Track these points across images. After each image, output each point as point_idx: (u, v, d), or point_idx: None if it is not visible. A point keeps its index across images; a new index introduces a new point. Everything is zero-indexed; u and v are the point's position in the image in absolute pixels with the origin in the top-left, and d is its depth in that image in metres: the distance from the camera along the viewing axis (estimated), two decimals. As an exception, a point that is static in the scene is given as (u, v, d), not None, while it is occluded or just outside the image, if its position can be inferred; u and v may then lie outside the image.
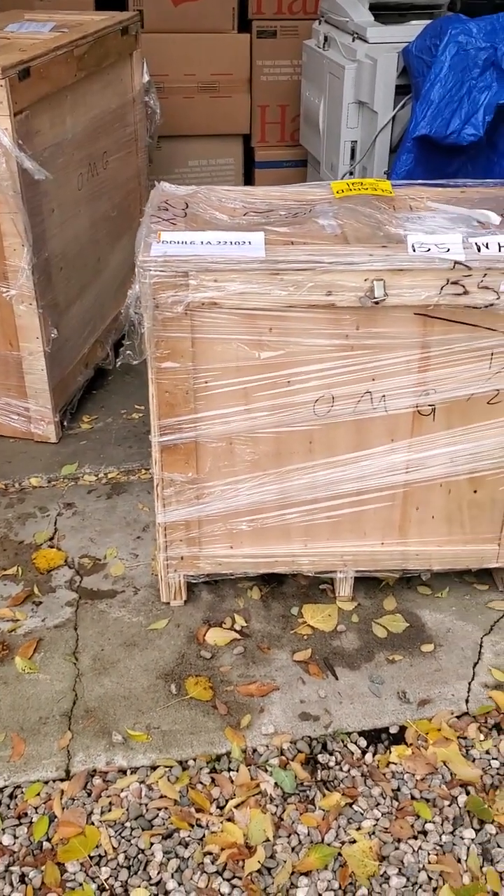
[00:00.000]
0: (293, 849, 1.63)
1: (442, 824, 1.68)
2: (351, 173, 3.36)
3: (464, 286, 1.74)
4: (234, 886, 1.57)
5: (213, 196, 2.04)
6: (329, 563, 2.11)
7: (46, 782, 1.74)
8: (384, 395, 1.89)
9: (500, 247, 1.75)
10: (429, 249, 1.74)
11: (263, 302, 1.76)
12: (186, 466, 1.95)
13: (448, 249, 1.74)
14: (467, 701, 1.92)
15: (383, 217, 1.91)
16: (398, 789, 1.74)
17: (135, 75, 3.15)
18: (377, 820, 1.68)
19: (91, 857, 1.61)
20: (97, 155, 2.90)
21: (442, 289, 1.74)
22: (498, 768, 1.78)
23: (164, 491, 1.98)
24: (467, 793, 1.73)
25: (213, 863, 1.60)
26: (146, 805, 1.70)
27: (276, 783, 1.74)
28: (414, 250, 1.74)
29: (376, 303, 1.74)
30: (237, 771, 1.77)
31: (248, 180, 4.26)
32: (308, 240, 1.83)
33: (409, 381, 1.87)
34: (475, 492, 2.01)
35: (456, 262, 1.72)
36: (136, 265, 1.73)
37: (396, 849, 1.63)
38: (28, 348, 2.61)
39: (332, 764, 1.79)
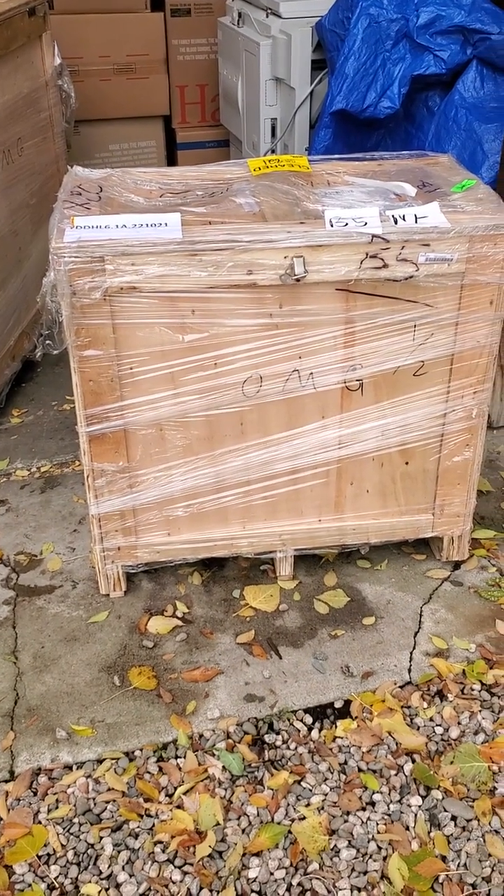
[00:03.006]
0: (243, 830, 1.63)
1: (389, 794, 1.69)
2: (272, 151, 3.34)
3: (383, 259, 1.74)
4: (185, 873, 1.56)
5: (128, 178, 2.00)
6: (268, 544, 2.11)
7: (-10, 785, 1.71)
8: (312, 373, 1.89)
9: (416, 218, 1.75)
10: (346, 224, 1.73)
11: (184, 284, 1.73)
12: (116, 455, 1.92)
13: (365, 223, 1.73)
14: (409, 670, 1.94)
15: (301, 193, 1.90)
16: (345, 763, 1.76)
17: (46, 58, 3.06)
18: (325, 795, 1.69)
19: (39, 857, 1.59)
20: (11, 142, 2.82)
21: (361, 263, 1.74)
22: (442, 734, 1.80)
23: (95, 482, 1.95)
24: (413, 761, 1.75)
25: (163, 851, 1.59)
26: (94, 799, 1.68)
27: (223, 767, 1.74)
28: (332, 225, 1.73)
29: (297, 280, 1.73)
30: (184, 758, 1.76)
31: (171, 162, 4.20)
32: (226, 219, 1.81)
33: (335, 358, 1.87)
34: (407, 464, 2.02)
35: (374, 236, 1.71)
36: (49, 252, 1.69)
37: (345, 822, 1.64)
38: (-50, 343, 2.54)
39: (278, 743, 1.79)
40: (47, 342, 1.80)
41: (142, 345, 1.80)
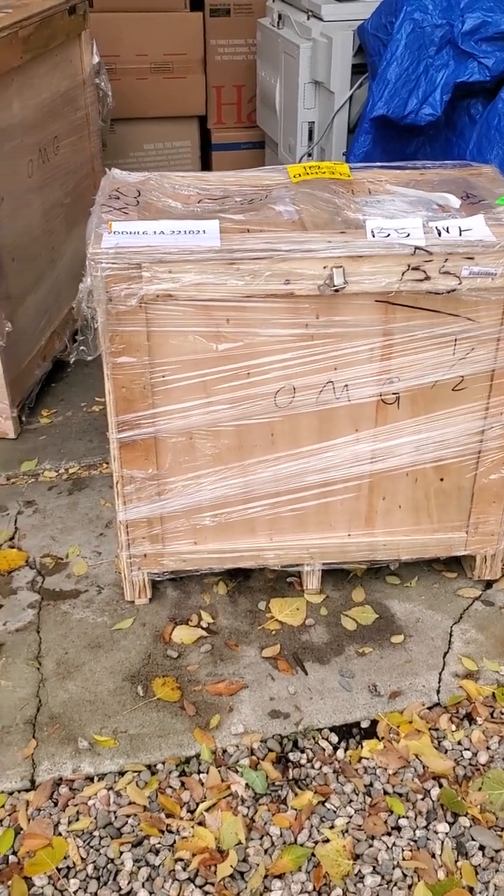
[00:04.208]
0: (266, 851, 1.60)
1: (415, 819, 1.66)
2: (309, 155, 3.31)
3: (425, 272, 1.70)
4: (206, 893, 1.53)
5: (167, 183, 1.97)
6: (295, 557, 2.07)
7: (11, 793, 1.69)
8: (347, 385, 1.85)
9: (460, 231, 1.71)
10: (388, 235, 1.69)
11: (220, 292, 1.71)
12: (146, 462, 1.90)
13: (408, 234, 1.69)
14: (438, 692, 1.90)
15: (341, 202, 1.87)
16: (371, 785, 1.72)
17: (84, 57, 3.05)
18: (350, 817, 1.66)
19: (59, 870, 1.57)
20: (47, 140, 2.81)
21: (403, 275, 1.70)
22: (470, 759, 1.76)
23: (124, 488, 1.93)
24: (440, 785, 1.72)
25: (184, 869, 1.57)
26: (115, 812, 1.66)
27: (247, 784, 1.71)
28: (373, 236, 1.70)
29: (336, 291, 1.70)
30: (207, 773, 1.73)
31: (205, 162, 4.18)
32: (265, 227, 1.78)
33: (371, 370, 1.83)
34: (441, 480, 1.98)
35: (416, 248, 1.67)
36: (87, 257, 1.67)
37: (370, 846, 1.61)
38: (-19, 343, 2.53)
39: (303, 762, 1.76)
40: (81, 348, 1.78)
41: (175, 353, 1.78)
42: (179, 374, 1.80)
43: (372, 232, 1.70)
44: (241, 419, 1.87)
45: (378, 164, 2.12)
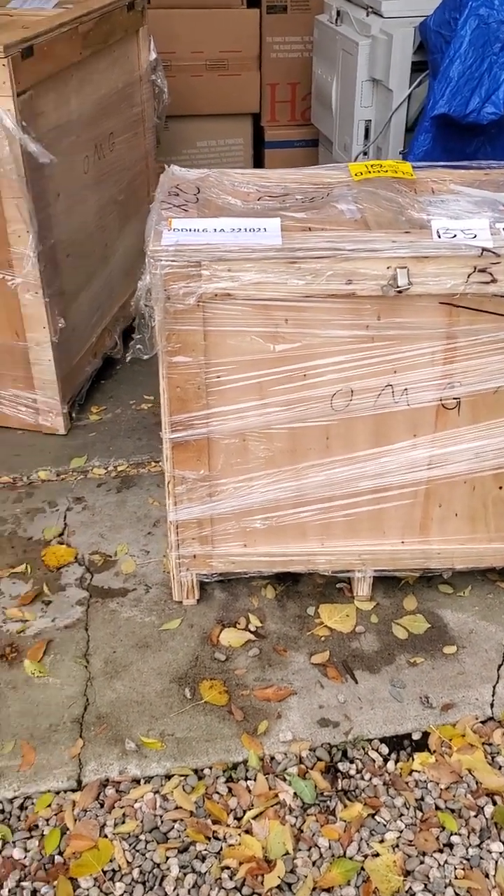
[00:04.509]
0: (314, 863, 1.57)
1: (468, 836, 1.61)
2: (365, 153, 3.26)
3: (492, 274, 1.65)
4: (253, 903, 1.51)
5: (226, 180, 1.95)
6: (347, 563, 2.04)
7: (58, 793, 1.68)
8: (406, 389, 1.81)
9: (529, 232, 1.66)
10: (454, 235, 1.65)
11: (279, 292, 1.68)
12: (198, 463, 1.88)
13: (475, 235, 1.65)
14: (492, 705, 1.85)
15: (405, 201, 1.82)
16: (422, 799, 1.68)
17: (141, 53, 3.04)
18: (401, 832, 1.62)
19: (105, 872, 1.56)
20: (103, 136, 2.80)
21: (469, 277, 1.65)
22: (525, 777, 1.71)
23: (175, 488, 1.91)
24: (494, 803, 1.67)
25: (231, 878, 1.54)
26: (161, 817, 1.64)
27: (295, 793, 1.68)
28: (439, 236, 1.65)
29: (399, 292, 1.66)
30: (255, 780, 1.70)
31: (258, 160, 4.15)
32: (327, 226, 1.74)
33: (433, 374, 1.78)
34: (501, 488, 1.93)
35: (484, 250, 1.63)
36: (146, 255, 1.65)
37: (421, 863, 1.57)
38: (35, 338, 2.53)
39: (352, 772, 1.73)
40: (138, 346, 1.76)
41: (232, 353, 1.75)
42: (235, 375, 1.78)
43: (437, 232, 1.66)
44: (296, 422, 1.84)
45: (441, 163, 2.07)
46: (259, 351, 1.75)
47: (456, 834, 1.62)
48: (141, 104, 3.09)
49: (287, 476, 1.91)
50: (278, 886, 1.53)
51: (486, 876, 1.55)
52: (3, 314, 2.51)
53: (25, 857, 1.58)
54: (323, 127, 3.68)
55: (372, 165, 1.98)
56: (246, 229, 1.68)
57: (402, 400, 1.82)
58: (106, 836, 1.61)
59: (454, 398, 1.81)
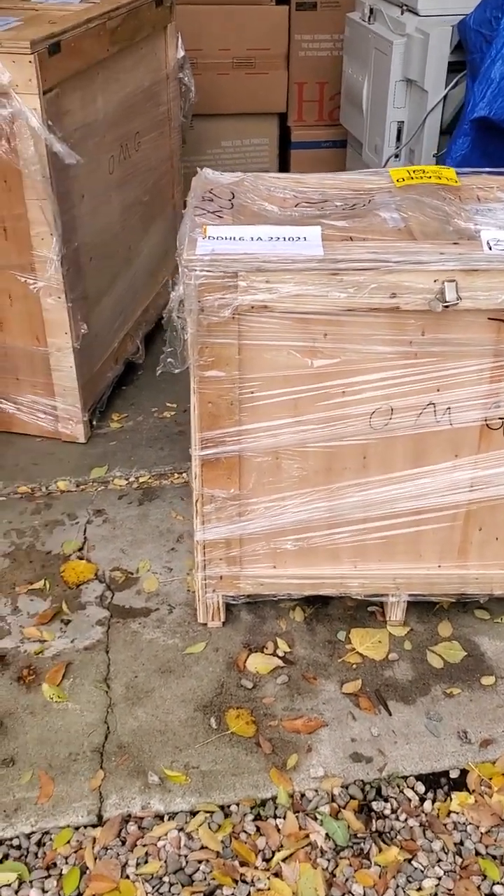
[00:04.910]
0: (348, 911, 1.49)
1: (511, 886, 1.52)
2: (396, 156, 3.16)
3: (546, 290, 1.56)
4: None
5: (261, 184, 1.86)
6: (380, 586, 1.95)
7: (77, 828, 1.60)
8: (449, 408, 1.72)
9: None
10: (506, 248, 1.55)
11: (319, 305, 1.59)
12: (229, 482, 1.79)
13: (528, 248, 1.55)
14: (534, 742, 1.76)
15: (451, 209, 1.73)
16: (461, 843, 1.59)
17: (169, 50, 2.95)
18: (439, 879, 1.53)
19: (126, 917, 1.48)
20: (129, 136, 2.72)
21: (521, 292, 1.56)
22: None
23: (203, 507, 1.82)
24: (538, 849, 1.58)
25: (259, 926, 1.46)
26: (185, 857, 1.56)
27: (327, 834, 1.59)
28: (490, 248, 1.56)
29: (447, 307, 1.56)
30: (284, 818, 1.62)
31: (284, 161, 4.06)
32: (369, 235, 1.65)
33: (478, 392, 1.69)
34: (545, 513, 1.83)
35: (538, 263, 1.53)
36: (179, 263, 1.56)
37: (462, 914, 1.48)
38: (56, 344, 2.45)
39: (387, 812, 1.64)
40: (169, 360, 1.67)
41: (267, 368, 1.66)
42: (270, 391, 1.69)
43: (488, 244, 1.56)
44: (333, 440, 1.75)
45: (486, 169, 1.98)
46: (296, 366, 1.66)
47: (498, 883, 1.52)
48: (167, 103, 3.01)
49: (321, 496, 1.82)
50: (310, 937, 1.44)
51: (532, 931, 1.46)
52: (24, 319, 2.43)
53: (43, 897, 1.50)
54: (352, 128, 3.58)
55: (414, 171, 1.89)
56: (285, 238, 1.59)
57: (444, 419, 1.73)
58: (128, 877, 1.53)
59: (500, 418, 1.72)
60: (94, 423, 2.71)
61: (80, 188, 2.39)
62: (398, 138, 3.14)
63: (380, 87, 3.14)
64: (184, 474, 2.51)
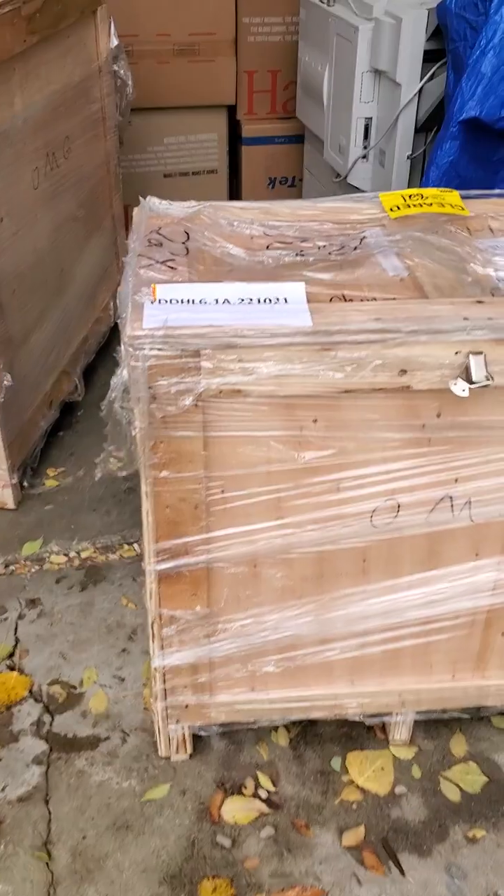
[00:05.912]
0: None
1: None
2: (364, 157, 2.79)
3: None
4: None
5: (222, 217, 1.47)
6: (383, 705, 1.60)
7: None
8: (469, 501, 1.37)
9: None
10: (548, 309, 1.20)
11: (308, 387, 1.21)
12: (194, 599, 1.41)
13: None
14: None
15: (464, 251, 1.37)
16: None
17: (100, 38, 2.53)
18: None
19: None
20: (57, 142, 2.29)
21: None
22: None
23: (161, 630, 1.44)
24: None
25: None
26: None
27: None
28: (526, 309, 1.20)
29: (473, 387, 1.20)
30: None
31: (234, 158, 3.65)
32: (366, 291, 1.28)
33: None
34: None
35: None
36: (122, 339, 1.17)
37: None
38: (-26, 400, 2.03)
39: None
40: (111, 459, 1.28)
41: (241, 463, 1.29)
42: (246, 489, 1.31)
43: (524, 303, 1.21)
44: (325, 544, 1.38)
45: (496, 192, 1.62)
46: (278, 460, 1.29)
47: None
48: (101, 100, 2.58)
49: (310, 609, 1.46)
50: None
51: None
52: None
53: None
54: (311, 123, 3.19)
55: (410, 196, 1.52)
56: (260, 300, 1.21)
57: (462, 514, 1.38)
58: None
59: (533, 513, 1.38)
60: (26, 482, 2.30)
61: (-3, 210, 1.97)
62: (366, 136, 2.76)
63: (343, 79, 2.75)
64: (135, 545, 2.13)
